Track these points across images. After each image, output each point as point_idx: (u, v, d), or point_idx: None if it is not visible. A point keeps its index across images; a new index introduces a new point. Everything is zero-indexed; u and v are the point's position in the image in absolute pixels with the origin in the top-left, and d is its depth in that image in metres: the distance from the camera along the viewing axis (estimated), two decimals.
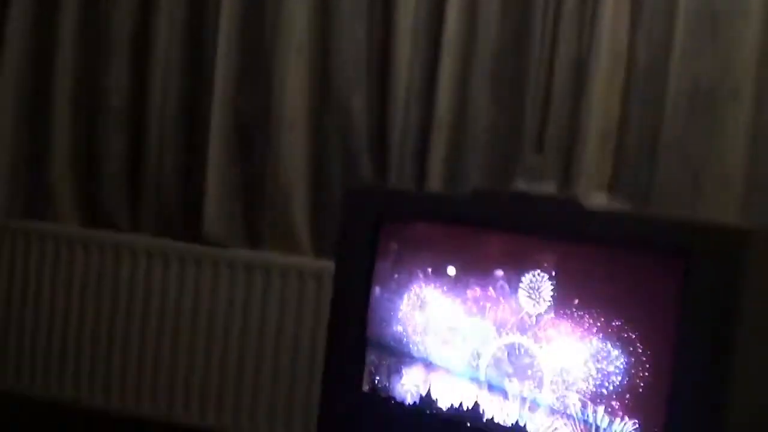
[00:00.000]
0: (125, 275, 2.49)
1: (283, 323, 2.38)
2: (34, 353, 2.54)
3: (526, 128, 2.18)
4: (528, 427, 1.72)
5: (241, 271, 2.41)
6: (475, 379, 1.81)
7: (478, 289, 1.81)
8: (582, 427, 1.64)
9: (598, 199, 1.83)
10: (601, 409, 1.61)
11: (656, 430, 1.54)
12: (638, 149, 2.15)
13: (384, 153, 2.34)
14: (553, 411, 1.69)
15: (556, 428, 1.68)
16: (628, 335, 1.58)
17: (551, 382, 1.69)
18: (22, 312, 2.54)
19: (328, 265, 2.21)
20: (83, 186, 2.58)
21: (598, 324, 1.62)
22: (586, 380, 1.64)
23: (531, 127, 2.18)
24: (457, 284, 1.83)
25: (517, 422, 1.74)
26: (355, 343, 1.98)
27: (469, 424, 1.81)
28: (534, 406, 1.72)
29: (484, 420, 1.79)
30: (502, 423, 1.76)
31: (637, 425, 1.57)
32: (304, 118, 2.42)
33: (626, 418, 1.58)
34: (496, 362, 1.78)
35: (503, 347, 1.77)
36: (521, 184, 1.83)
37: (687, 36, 2.06)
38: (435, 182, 2.27)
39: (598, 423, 1.62)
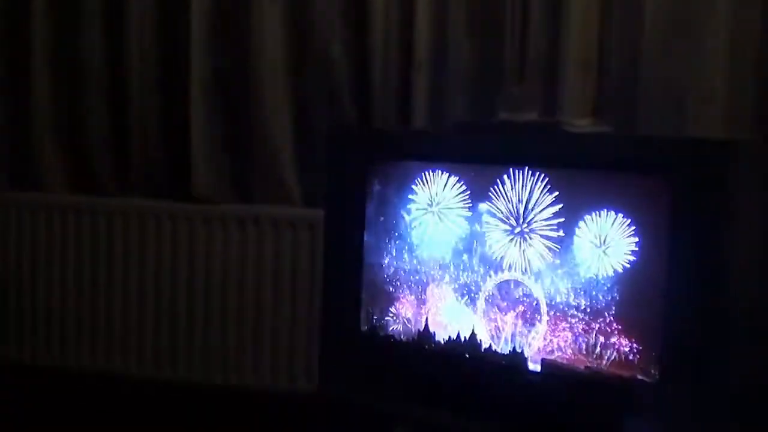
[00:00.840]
0: (118, 239, 2.49)
1: (279, 274, 2.39)
2: (35, 323, 2.55)
3: (506, 61, 2.18)
4: (525, 353, 1.75)
5: (234, 226, 2.42)
6: (473, 311, 1.83)
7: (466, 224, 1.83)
8: (580, 348, 1.67)
9: (581, 124, 1.83)
10: (597, 328, 1.64)
11: (653, 351, 1.57)
12: (619, 75, 2.15)
13: (366, 97, 2.34)
14: (550, 334, 1.71)
15: (552, 350, 1.71)
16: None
17: (547, 306, 1.71)
18: (19, 283, 2.55)
19: (320, 214, 2.20)
20: (68, 153, 2.57)
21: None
22: (581, 303, 1.66)
23: (510, 59, 2.18)
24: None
25: (514, 348, 1.77)
26: (351, 285, 2.00)
27: (467, 355, 1.83)
28: (530, 331, 1.74)
29: (482, 349, 1.81)
30: (499, 351, 1.78)
31: (634, 341, 1.60)
32: (284, 68, 2.41)
33: (624, 336, 1.61)
34: (494, 295, 1.80)
35: (502, 282, 1.79)
36: (504, 116, 1.83)
37: None
38: (418, 122, 2.27)
39: (596, 342, 1.65)
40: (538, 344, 1.73)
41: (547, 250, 1.70)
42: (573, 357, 1.68)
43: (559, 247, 1.68)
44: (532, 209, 1.71)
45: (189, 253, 2.45)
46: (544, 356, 1.71)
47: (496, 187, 1.76)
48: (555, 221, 1.69)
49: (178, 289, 2.47)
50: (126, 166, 2.53)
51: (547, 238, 1.70)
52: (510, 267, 1.76)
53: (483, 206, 1.79)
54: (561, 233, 1.67)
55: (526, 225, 1.73)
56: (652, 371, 1.55)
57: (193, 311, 2.46)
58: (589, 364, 1.65)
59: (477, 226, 1.81)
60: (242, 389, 2.41)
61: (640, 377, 1.58)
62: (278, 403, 2.34)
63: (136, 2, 2.46)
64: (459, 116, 2.20)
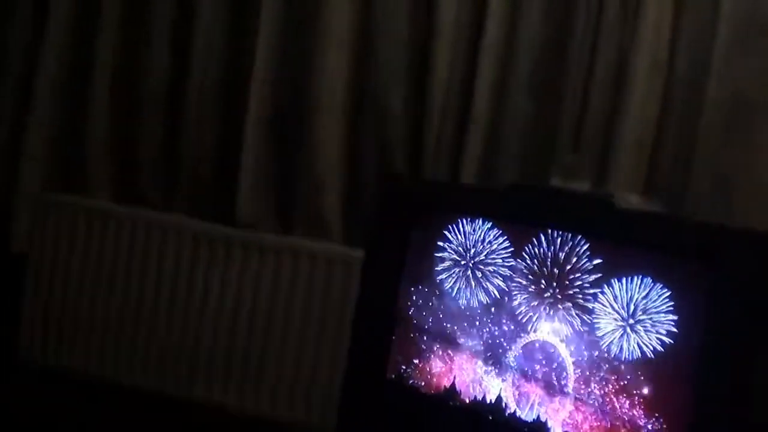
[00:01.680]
0: (155, 253, 2.51)
1: (309, 309, 2.40)
2: (60, 326, 2.56)
3: (563, 129, 2.19)
4: (549, 424, 1.73)
5: (271, 255, 2.43)
6: (499, 373, 1.82)
7: (505, 283, 1.83)
8: (606, 420, 1.65)
9: (631, 200, 1.83)
10: (625, 402, 1.62)
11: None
12: (673, 157, 2.16)
13: (419, 149, 2.36)
14: (575, 404, 1.70)
15: (577, 421, 1.69)
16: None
17: (575, 375, 1.70)
18: (51, 283, 2.57)
19: (358, 254, 2.22)
20: (119, 163, 2.61)
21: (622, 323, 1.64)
22: (610, 376, 1.65)
23: (567, 128, 2.19)
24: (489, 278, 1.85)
25: (538, 417, 1.75)
26: (381, 330, 2.00)
27: (491, 417, 1.82)
28: (556, 399, 1.73)
29: (506, 414, 1.80)
30: (523, 417, 1.77)
31: (660, 421, 1.57)
32: (341, 112, 2.44)
33: (649, 413, 1.59)
34: (521, 357, 1.79)
35: (529, 343, 1.79)
36: (556, 182, 1.84)
37: (729, 45, 2.07)
38: (468, 180, 2.28)
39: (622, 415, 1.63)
40: (563, 416, 1.71)
41: (578, 318, 1.69)
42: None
43: (590, 318, 1.68)
44: (568, 273, 1.71)
45: (222, 276, 2.47)
46: (567, 429, 1.70)
47: (535, 248, 1.76)
48: (591, 291, 1.68)
49: (206, 310, 2.48)
50: (173, 182, 2.56)
51: (580, 305, 1.69)
52: (538, 330, 1.76)
53: (520, 264, 1.79)
54: (595, 304, 1.67)
55: (560, 289, 1.73)
56: None
57: (219, 334, 2.47)
58: None
59: (511, 284, 1.80)
60: (257, 416, 2.41)
61: None
62: None
63: (205, 29, 2.51)
64: (509, 178, 2.21)
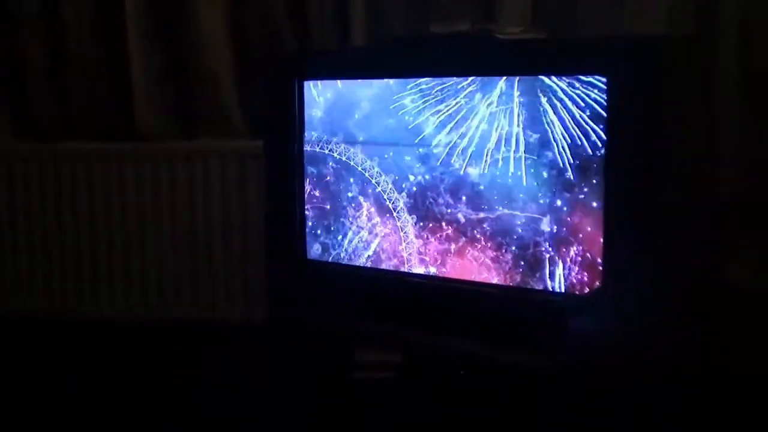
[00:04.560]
0: (66, 183, 2.46)
1: (229, 207, 2.37)
2: None
3: None
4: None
5: (180, 162, 2.38)
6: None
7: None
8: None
9: (513, 32, 1.78)
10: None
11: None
12: None
13: (304, 21, 2.28)
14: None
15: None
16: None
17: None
18: None
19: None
20: (9, 101, 2.51)
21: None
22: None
23: None
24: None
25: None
26: (294, 211, 1.97)
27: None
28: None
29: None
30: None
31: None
32: None
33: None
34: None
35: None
36: (437, 28, 1.78)
37: None
38: (358, 43, 2.22)
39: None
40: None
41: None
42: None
43: None
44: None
45: (137, 192, 2.42)
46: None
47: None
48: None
49: (129, 227, 2.45)
50: (69, 108, 2.47)
51: None
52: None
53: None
54: None
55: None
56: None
57: (146, 248, 2.45)
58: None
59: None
60: (198, 321, 2.41)
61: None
62: (235, 333, 2.34)
63: None
64: (396, 32, 2.15)
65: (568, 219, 1.58)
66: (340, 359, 1.93)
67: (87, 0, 2.41)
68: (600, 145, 1.52)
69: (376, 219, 1.85)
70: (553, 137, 1.58)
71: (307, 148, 1.92)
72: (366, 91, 1.80)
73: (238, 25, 2.35)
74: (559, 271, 1.61)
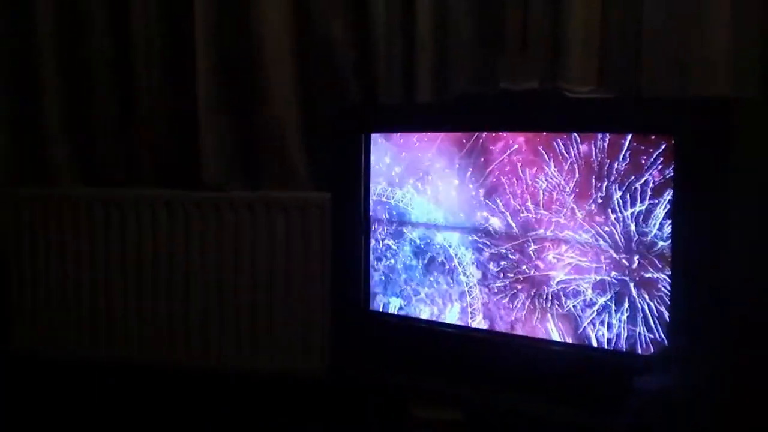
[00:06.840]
0: (131, 227, 2.51)
1: (290, 257, 2.39)
2: (50, 315, 2.56)
3: (508, 33, 2.16)
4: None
5: (244, 212, 2.43)
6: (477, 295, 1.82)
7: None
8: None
9: (582, 91, 1.81)
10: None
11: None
12: (622, 46, 2.12)
13: (371, 77, 2.33)
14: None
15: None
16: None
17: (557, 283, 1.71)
18: (34, 276, 2.57)
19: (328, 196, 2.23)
20: (78, 145, 2.58)
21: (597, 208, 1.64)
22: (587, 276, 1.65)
23: (512, 31, 2.15)
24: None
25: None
26: (359, 263, 2.00)
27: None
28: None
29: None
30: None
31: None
32: (288, 53, 2.40)
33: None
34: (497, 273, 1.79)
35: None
36: (505, 85, 1.82)
37: None
38: (423, 99, 2.26)
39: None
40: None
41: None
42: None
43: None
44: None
45: (200, 240, 2.46)
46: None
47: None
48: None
49: (190, 275, 2.48)
50: (135, 156, 2.54)
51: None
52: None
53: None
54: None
55: None
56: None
57: (207, 297, 2.47)
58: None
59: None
60: (257, 372, 2.41)
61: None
62: (293, 384, 2.34)
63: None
64: (462, 89, 2.18)
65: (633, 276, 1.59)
66: (398, 414, 1.92)
67: (159, 53, 2.50)
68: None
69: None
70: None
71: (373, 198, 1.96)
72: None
73: (305, 78, 2.41)
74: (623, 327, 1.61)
